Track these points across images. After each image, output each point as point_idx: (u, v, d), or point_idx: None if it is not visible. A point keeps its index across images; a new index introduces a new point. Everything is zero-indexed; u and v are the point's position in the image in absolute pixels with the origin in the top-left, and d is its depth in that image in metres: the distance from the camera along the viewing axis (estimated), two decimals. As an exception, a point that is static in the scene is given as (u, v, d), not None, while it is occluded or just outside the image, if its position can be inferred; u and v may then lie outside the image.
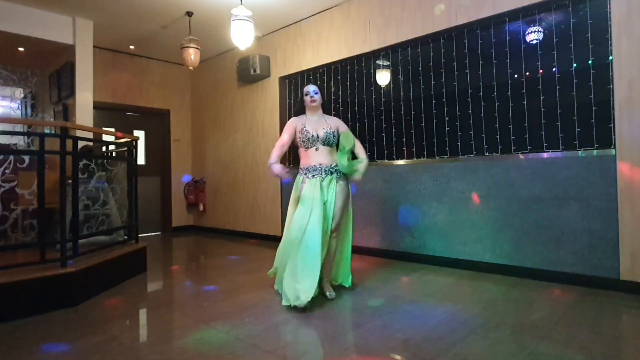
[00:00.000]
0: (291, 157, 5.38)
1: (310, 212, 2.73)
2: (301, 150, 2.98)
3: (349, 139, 2.93)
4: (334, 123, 3.03)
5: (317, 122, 2.97)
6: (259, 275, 3.61)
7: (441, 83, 3.92)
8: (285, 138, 2.98)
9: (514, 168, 3.37)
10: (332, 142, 2.94)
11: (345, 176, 2.95)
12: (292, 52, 5.21)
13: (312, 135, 2.89)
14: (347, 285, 3.09)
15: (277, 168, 2.82)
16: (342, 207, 2.88)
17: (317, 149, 2.91)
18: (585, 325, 2.27)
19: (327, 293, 2.85)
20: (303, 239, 2.69)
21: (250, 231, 5.88)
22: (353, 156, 3.01)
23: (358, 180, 2.99)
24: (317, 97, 2.97)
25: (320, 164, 2.89)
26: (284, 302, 2.67)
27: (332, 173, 2.89)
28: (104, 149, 4.93)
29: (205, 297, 3.03)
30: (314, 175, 2.86)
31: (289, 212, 3.00)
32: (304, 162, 2.96)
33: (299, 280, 2.62)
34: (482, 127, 3.64)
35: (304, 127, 2.94)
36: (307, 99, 2.98)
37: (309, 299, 2.55)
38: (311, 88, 2.99)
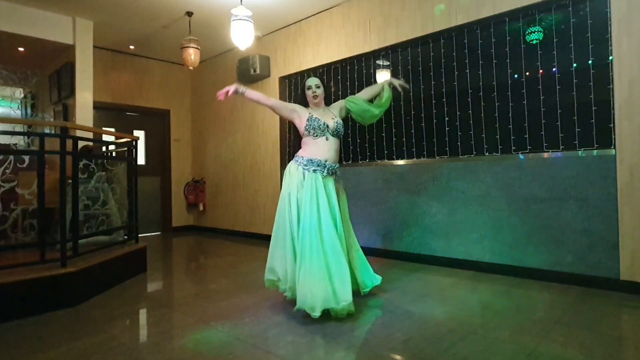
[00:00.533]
0: (291, 157, 5.37)
1: (318, 211, 2.57)
2: (308, 139, 2.75)
3: (356, 103, 2.88)
4: (336, 110, 2.90)
5: (323, 113, 2.82)
6: (259, 275, 3.60)
7: (441, 83, 3.92)
8: (280, 103, 2.98)
9: (514, 168, 3.37)
10: (340, 133, 2.82)
11: (339, 178, 2.88)
12: (292, 52, 5.21)
13: (323, 123, 2.73)
14: (378, 283, 2.92)
15: (229, 88, 2.75)
16: (344, 209, 2.85)
17: (327, 139, 2.74)
18: (585, 325, 2.27)
19: None
20: (323, 241, 2.52)
21: (250, 231, 5.88)
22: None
23: (402, 84, 2.99)
24: (320, 91, 2.81)
25: (327, 160, 2.71)
26: (315, 308, 2.37)
27: (332, 174, 2.76)
28: (104, 149, 4.93)
29: (205, 297, 3.03)
30: (314, 170, 2.66)
31: (280, 208, 2.77)
32: (308, 152, 2.73)
33: (335, 282, 2.44)
34: (482, 127, 3.63)
35: (311, 115, 2.76)
36: (309, 93, 2.81)
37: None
38: (313, 82, 2.81)
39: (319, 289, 2.40)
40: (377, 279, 2.94)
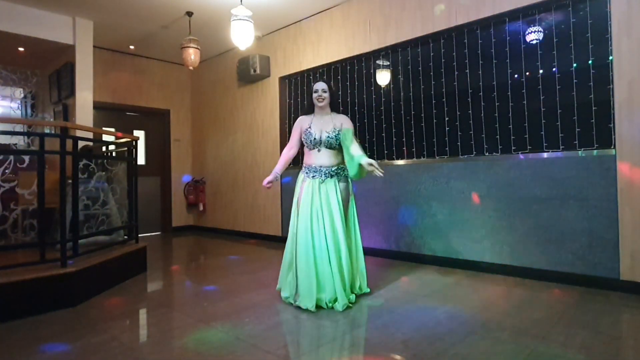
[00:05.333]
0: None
1: (310, 215, 2.73)
2: (305, 149, 2.96)
3: (347, 136, 2.80)
4: (340, 121, 2.91)
5: (323, 123, 2.89)
6: (259, 275, 3.61)
7: (441, 83, 3.92)
8: (292, 142, 3.00)
9: (514, 168, 3.37)
10: (335, 145, 2.85)
11: (346, 178, 2.88)
12: (292, 52, 5.21)
13: (314, 138, 2.86)
14: (367, 291, 2.95)
15: (267, 179, 2.88)
16: (346, 210, 2.85)
17: (319, 150, 2.87)
18: (585, 325, 2.27)
19: None
20: (314, 241, 2.70)
21: (250, 231, 5.88)
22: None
23: (379, 174, 2.60)
24: (326, 95, 2.88)
25: (321, 166, 2.84)
26: (307, 302, 2.62)
27: (332, 176, 2.82)
28: (104, 149, 4.93)
29: (205, 297, 3.03)
30: (313, 176, 2.84)
31: (292, 213, 2.92)
32: (306, 160, 2.94)
33: (322, 280, 2.68)
34: (482, 127, 3.63)
35: (309, 127, 2.90)
36: (315, 96, 2.90)
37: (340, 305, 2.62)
38: (320, 85, 2.90)
39: (307, 286, 2.65)
40: (365, 287, 2.97)
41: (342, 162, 2.88)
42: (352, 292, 2.82)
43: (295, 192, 2.94)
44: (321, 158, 2.85)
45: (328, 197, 2.77)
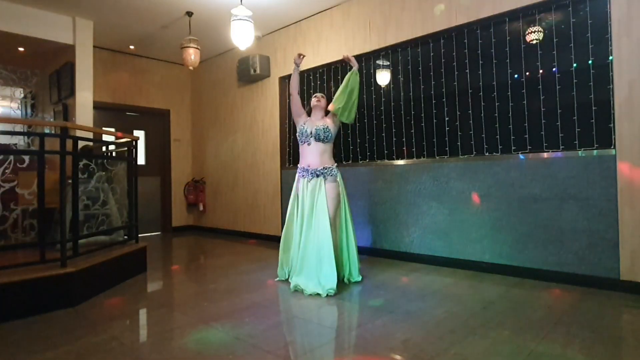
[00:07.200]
0: (291, 157, 5.38)
1: (303, 211, 3.11)
2: (300, 146, 3.28)
3: (337, 100, 3.17)
4: (330, 120, 3.24)
5: (315, 120, 3.25)
6: (259, 275, 3.61)
7: (441, 83, 3.92)
8: (298, 99, 3.31)
9: (514, 168, 3.37)
10: (322, 137, 3.13)
11: (334, 179, 3.12)
12: (292, 52, 5.20)
13: (306, 130, 3.19)
14: (357, 280, 3.24)
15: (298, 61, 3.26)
16: (334, 206, 3.06)
17: (309, 144, 3.17)
18: (585, 325, 2.27)
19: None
20: (301, 233, 3.09)
21: (250, 231, 5.88)
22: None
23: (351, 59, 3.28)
24: (323, 99, 3.33)
25: (309, 166, 3.14)
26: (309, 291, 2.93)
27: (318, 176, 3.09)
28: (104, 149, 4.93)
29: (205, 297, 3.03)
30: (303, 176, 3.17)
31: (289, 206, 3.31)
32: (300, 160, 3.26)
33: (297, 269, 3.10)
34: (482, 127, 3.63)
35: (304, 124, 3.25)
36: (313, 99, 3.33)
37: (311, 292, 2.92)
38: (319, 93, 3.39)
39: (294, 267, 3.11)
40: (356, 276, 3.26)
41: (330, 163, 3.15)
42: (343, 281, 3.17)
43: (294, 187, 3.32)
44: (310, 156, 3.16)
45: (313, 195, 3.04)
